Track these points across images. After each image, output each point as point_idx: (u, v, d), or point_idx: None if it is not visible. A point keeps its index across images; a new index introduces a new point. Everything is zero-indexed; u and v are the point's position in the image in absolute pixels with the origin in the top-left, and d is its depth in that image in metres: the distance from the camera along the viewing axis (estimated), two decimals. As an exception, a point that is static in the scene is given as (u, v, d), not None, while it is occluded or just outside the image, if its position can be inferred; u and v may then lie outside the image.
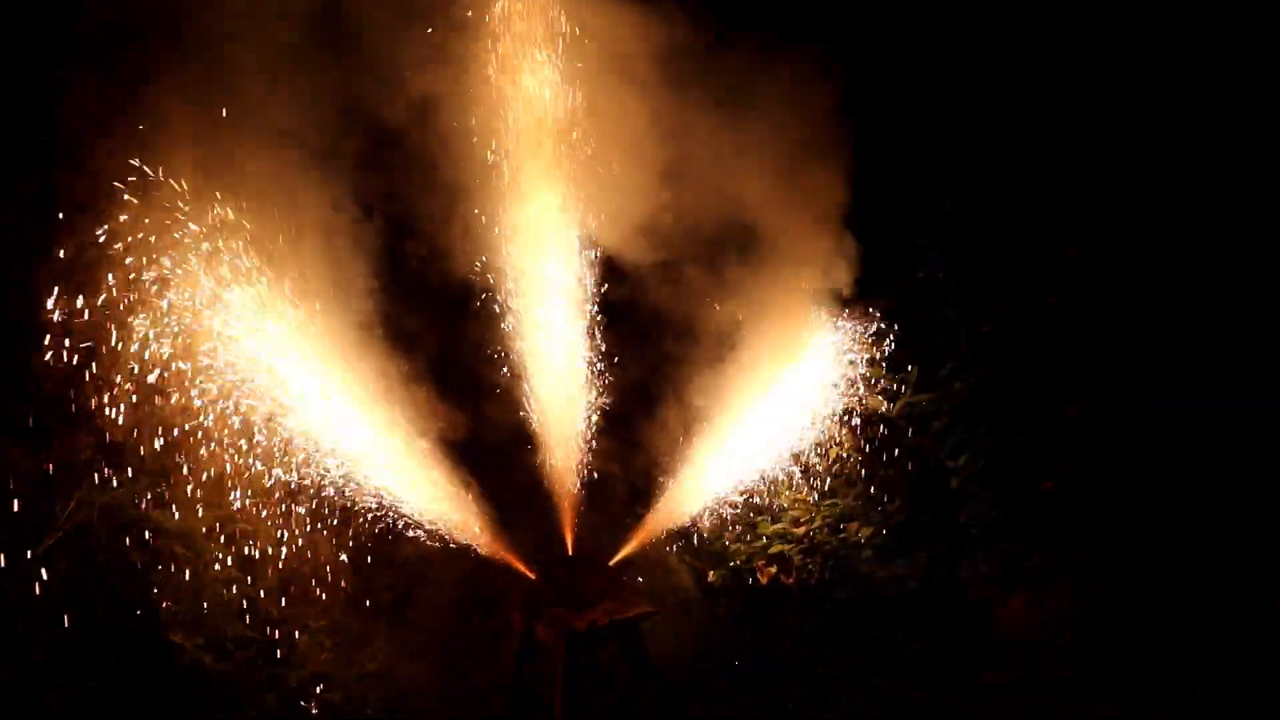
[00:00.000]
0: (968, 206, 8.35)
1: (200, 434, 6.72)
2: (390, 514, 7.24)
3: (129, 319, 6.44)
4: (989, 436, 8.11)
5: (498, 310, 7.67)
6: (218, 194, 6.58)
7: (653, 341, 8.27)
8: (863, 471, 8.10)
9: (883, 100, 8.47)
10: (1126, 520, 7.69)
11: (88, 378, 6.46)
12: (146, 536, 6.79)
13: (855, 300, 8.20)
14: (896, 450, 8.12)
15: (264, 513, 7.04)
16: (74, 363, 6.42)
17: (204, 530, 6.92)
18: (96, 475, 6.59)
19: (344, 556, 7.33)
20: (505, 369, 7.76)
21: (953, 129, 8.38)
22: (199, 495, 6.86)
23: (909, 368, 8.16)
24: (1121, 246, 8.03)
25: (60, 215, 6.44)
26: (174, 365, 6.55)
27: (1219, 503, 7.49)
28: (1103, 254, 8.09)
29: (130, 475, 6.67)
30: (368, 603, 7.54)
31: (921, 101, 8.47)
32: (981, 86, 8.33)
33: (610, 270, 7.89)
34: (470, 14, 7.16)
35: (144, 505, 6.75)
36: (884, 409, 8.11)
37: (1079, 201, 8.07)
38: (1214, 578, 7.40)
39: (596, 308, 7.81)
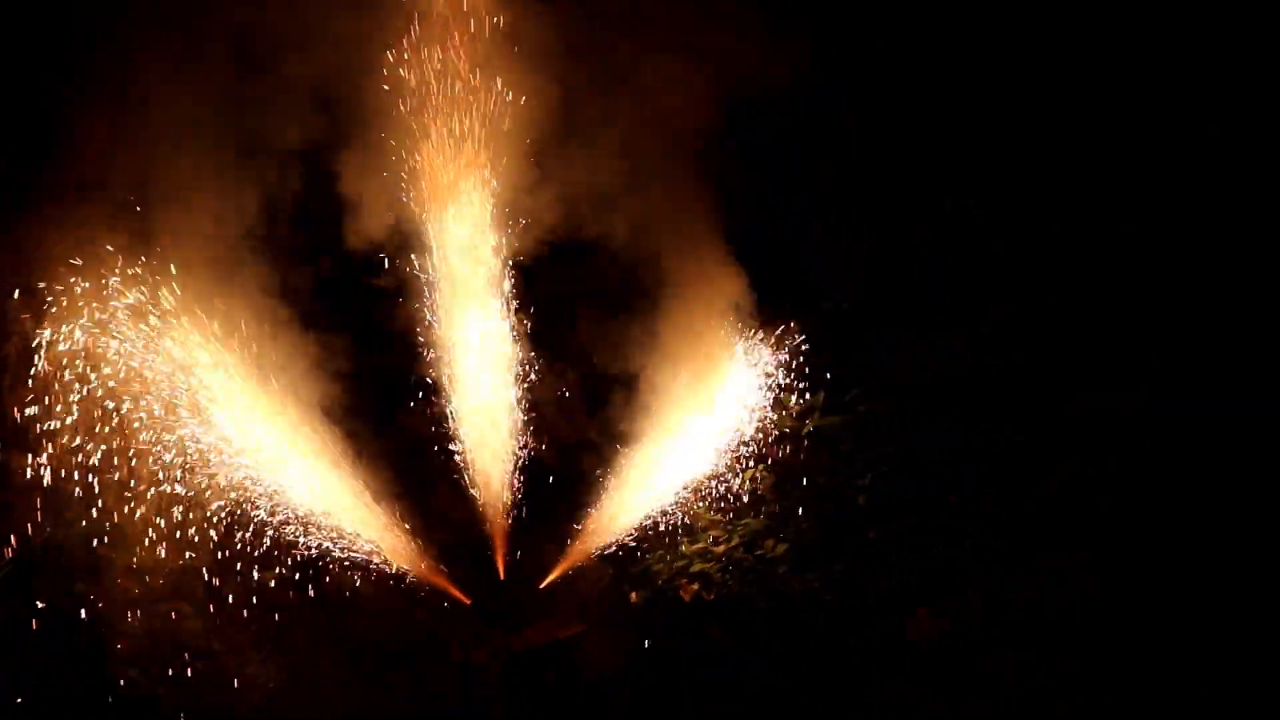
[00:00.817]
0: (968, 206, 8.34)
1: (145, 472, 6.92)
2: (327, 543, 7.40)
3: (77, 360, 6.66)
4: (984, 436, 8.15)
5: (424, 340, 7.80)
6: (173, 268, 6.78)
7: (576, 362, 8.48)
8: (777, 490, 8.28)
9: (882, 100, 8.48)
10: (1126, 520, 7.69)
11: (35, 416, 6.66)
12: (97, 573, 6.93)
13: (772, 322, 8.30)
14: (807, 470, 8.30)
15: (211, 545, 7.17)
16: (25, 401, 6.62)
17: (151, 565, 7.03)
18: (40, 512, 6.74)
19: (284, 586, 7.46)
20: (433, 395, 7.90)
21: (953, 129, 8.38)
22: (145, 532, 6.98)
23: (819, 392, 8.32)
24: (1121, 246, 8.04)
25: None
26: (123, 408, 6.77)
27: (1219, 502, 7.49)
28: (1103, 254, 8.09)
29: (77, 513, 6.81)
30: (312, 630, 7.67)
31: (921, 101, 8.47)
32: (982, 86, 8.34)
33: (532, 287, 8.01)
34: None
35: (94, 542, 6.89)
36: (796, 429, 8.30)
37: (1079, 201, 8.08)
38: (1214, 577, 7.39)
39: (520, 332, 7.95)
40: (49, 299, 6.66)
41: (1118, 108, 8.02)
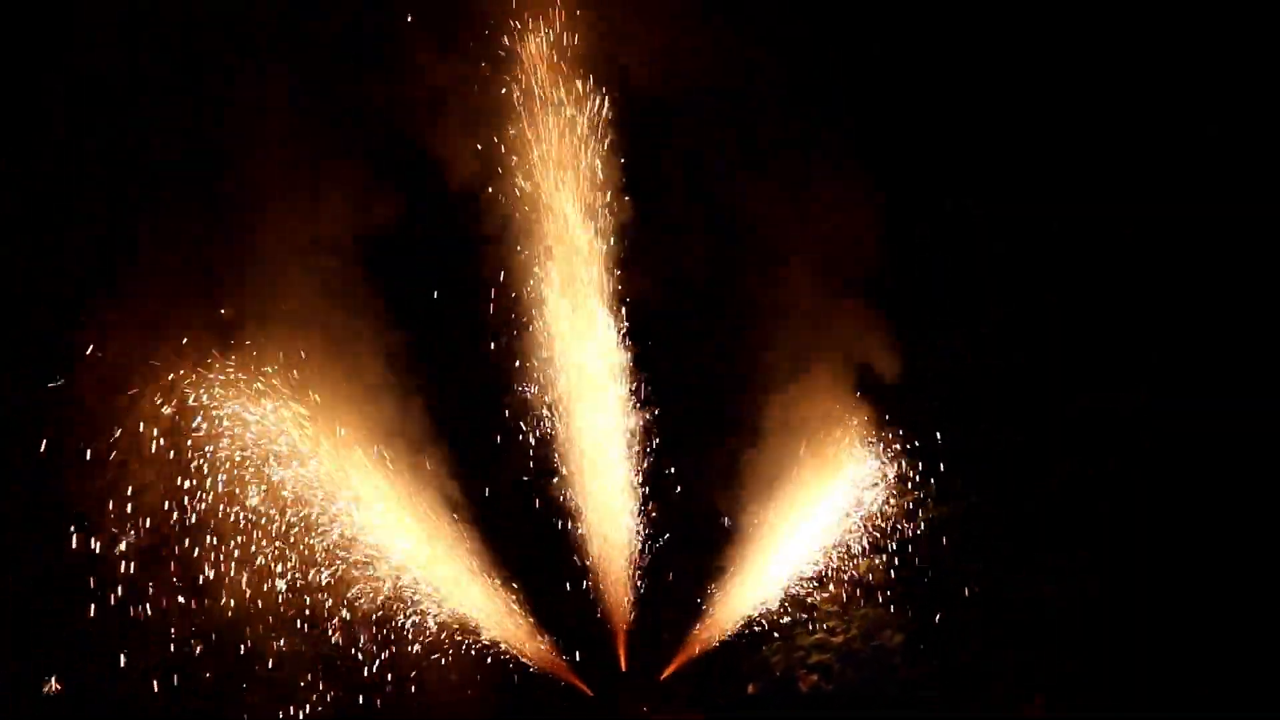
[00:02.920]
0: (968, 206, 8.32)
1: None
2: (456, 634, 7.69)
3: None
4: (984, 436, 8.17)
5: (549, 436, 8.01)
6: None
7: (693, 460, 8.46)
8: (891, 580, 8.30)
9: (882, 101, 8.45)
10: (1127, 520, 7.71)
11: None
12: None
13: (884, 419, 8.32)
14: (920, 560, 8.29)
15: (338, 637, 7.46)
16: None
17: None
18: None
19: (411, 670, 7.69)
20: (558, 493, 8.09)
21: (952, 129, 8.35)
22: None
23: (929, 482, 8.31)
24: (1121, 246, 8.04)
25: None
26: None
27: (1218, 502, 7.50)
28: (1102, 254, 8.09)
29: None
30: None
31: (921, 102, 8.43)
32: (982, 87, 8.31)
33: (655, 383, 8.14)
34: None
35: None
36: (909, 520, 8.31)
37: (1079, 202, 8.07)
38: (1213, 576, 7.41)
39: (644, 426, 8.11)
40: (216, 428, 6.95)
41: (1117, 108, 7.99)
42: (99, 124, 7.15)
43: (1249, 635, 7.27)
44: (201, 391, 6.92)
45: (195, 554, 6.93)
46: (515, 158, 7.53)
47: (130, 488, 6.80)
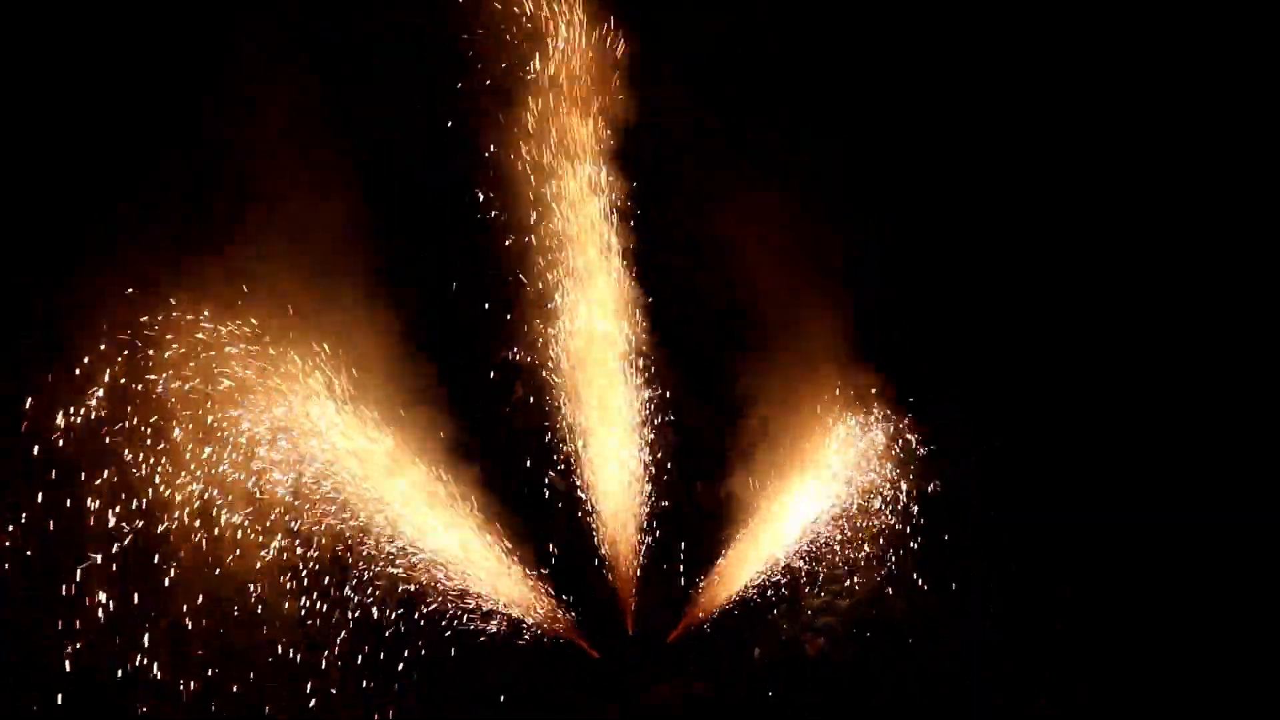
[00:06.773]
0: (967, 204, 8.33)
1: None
2: (462, 599, 7.55)
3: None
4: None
5: (556, 393, 8.03)
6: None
7: (701, 424, 8.45)
8: (902, 546, 8.19)
9: (883, 103, 8.48)
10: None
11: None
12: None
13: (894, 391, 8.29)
14: (931, 530, 8.19)
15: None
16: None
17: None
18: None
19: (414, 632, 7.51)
20: (565, 457, 8.10)
21: (952, 129, 8.37)
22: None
23: (941, 456, 8.23)
24: (1121, 246, 8.06)
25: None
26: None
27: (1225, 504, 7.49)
28: (1103, 254, 8.11)
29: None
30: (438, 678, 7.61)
31: (922, 102, 8.47)
32: (982, 88, 8.34)
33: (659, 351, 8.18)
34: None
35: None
36: (923, 489, 8.23)
37: (1079, 203, 8.10)
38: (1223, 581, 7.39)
39: (650, 391, 8.16)
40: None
41: (1117, 108, 8.04)
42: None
43: (1258, 640, 7.22)
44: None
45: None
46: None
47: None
